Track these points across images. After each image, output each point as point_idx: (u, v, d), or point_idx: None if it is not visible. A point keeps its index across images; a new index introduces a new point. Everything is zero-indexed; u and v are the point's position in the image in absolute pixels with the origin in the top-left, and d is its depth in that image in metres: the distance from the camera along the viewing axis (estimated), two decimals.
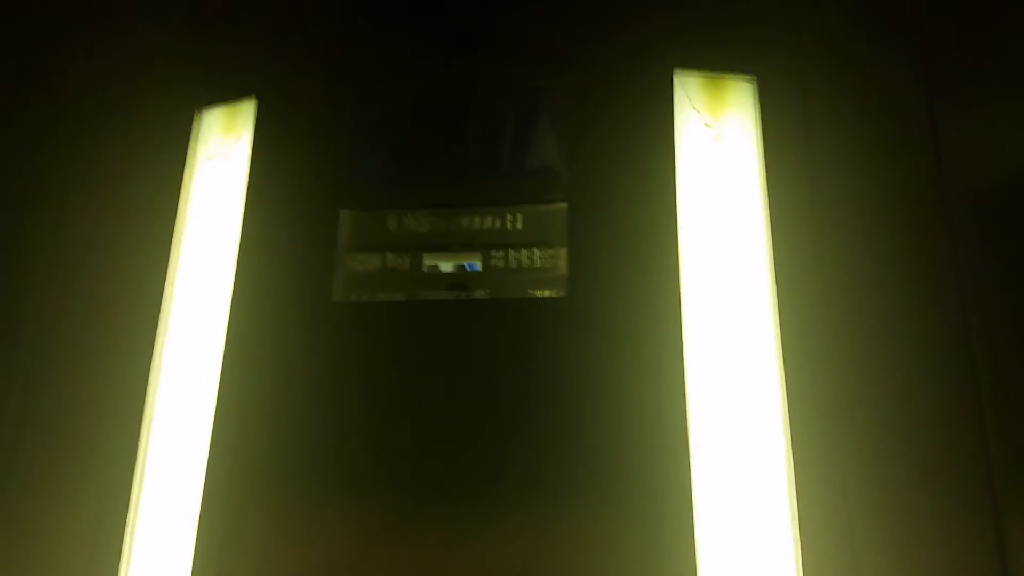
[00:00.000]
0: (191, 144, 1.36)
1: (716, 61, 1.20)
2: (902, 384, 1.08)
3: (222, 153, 1.34)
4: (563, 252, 1.15)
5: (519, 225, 1.18)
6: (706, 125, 1.18)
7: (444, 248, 1.19)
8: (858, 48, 1.21)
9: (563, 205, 1.17)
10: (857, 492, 1.04)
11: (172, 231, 1.29)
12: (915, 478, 1.04)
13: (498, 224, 1.19)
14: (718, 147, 1.18)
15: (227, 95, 1.37)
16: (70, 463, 1.20)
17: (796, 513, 1.03)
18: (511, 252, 1.17)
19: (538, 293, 1.14)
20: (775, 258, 1.12)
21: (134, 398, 1.20)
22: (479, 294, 1.16)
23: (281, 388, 1.13)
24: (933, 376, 1.08)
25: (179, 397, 1.20)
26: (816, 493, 1.03)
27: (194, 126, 1.37)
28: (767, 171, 1.16)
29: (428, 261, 1.19)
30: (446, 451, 1.08)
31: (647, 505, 1.02)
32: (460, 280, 1.18)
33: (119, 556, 1.14)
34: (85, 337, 1.26)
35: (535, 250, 1.16)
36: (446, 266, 1.19)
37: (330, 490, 1.09)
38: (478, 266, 1.18)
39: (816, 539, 1.01)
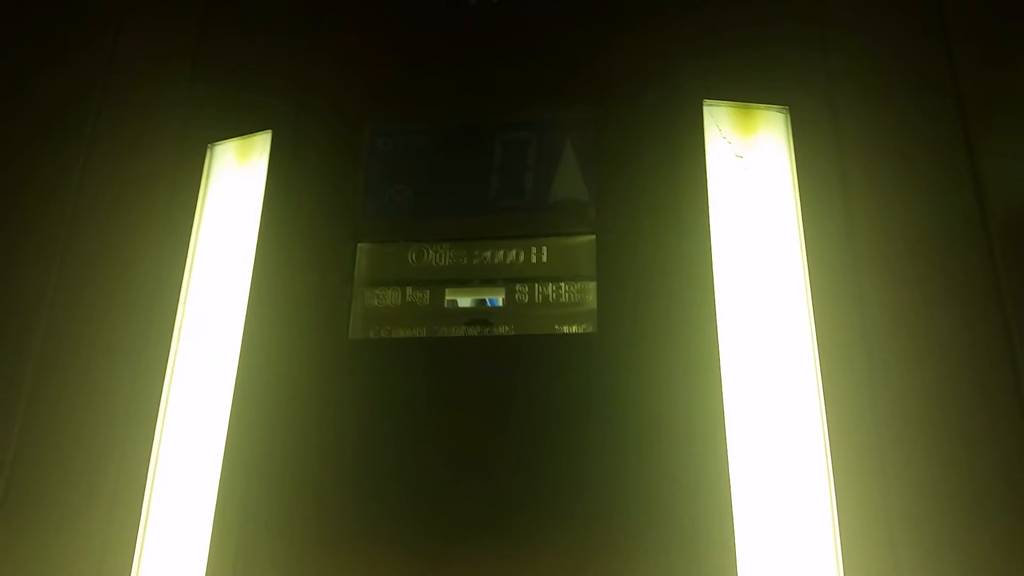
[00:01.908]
0: (203, 178, 1.33)
1: (746, 91, 1.17)
2: (948, 419, 1.02)
3: (234, 188, 1.31)
4: (592, 286, 1.10)
5: (544, 258, 1.13)
6: (737, 156, 1.15)
7: (466, 282, 1.14)
8: (891, 77, 1.18)
9: (591, 237, 1.12)
10: (904, 541, 0.97)
11: (184, 266, 1.25)
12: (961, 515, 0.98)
13: (523, 257, 1.14)
14: (750, 178, 1.14)
15: (242, 129, 1.34)
16: (72, 529, 1.14)
17: (840, 555, 0.96)
18: (537, 286, 1.12)
19: (565, 329, 1.09)
20: (812, 291, 1.07)
21: (142, 440, 1.14)
22: (503, 330, 1.11)
23: (295, 428, 1.07)
24: (979, 405, 1.03)
25: (188, 439, 1.14)
26: (860, 531, 0.97)
27: (207, 160, 1.34)
28: (801, 202, 1.11)
29: (449, 296, 1.14)
30: (469, 495, 1.02)
31: (687, 553, 0.95)
32: (482, 316, 1.12)
33: None
34: (95, 372, 1.20)
35: (562, 284, 1.11)
36: (465, 301, 1.14)
37: (346, 536, 1.02)
38: (499, 301, 1.13)
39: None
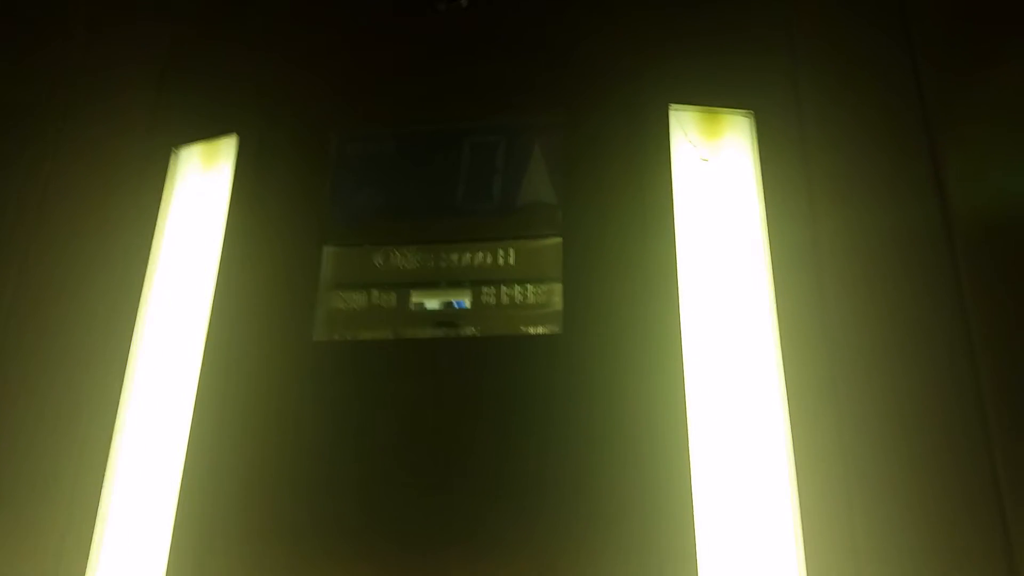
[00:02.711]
0: (168, 182, 1.31)
1: (712, 96, 1.18)
2: (908, 414, 1.03)
3: (199, 191, 1.29)
4: (558, 288, 1.10)
5: (511, 260, 1.13)
6: (703, 160, 1.15)
7: (433, 285, 1.14)
8: (857, 84, 1.19)
9: (558, 240, 1.12)
10: (867, 552, 0.97)
11: (146, 269, 1.23)
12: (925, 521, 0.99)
13: (489, 260, 1.14)
14: (715, 181, 1.14)
15: (207, 133, 1.33)
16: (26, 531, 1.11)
17: (803, 556, 0.95)
18: (503, 288, 1.11)
19: (532, 330, 1.09)
20: (777, 293, 1.08)
21: (101, 442, 1.11)
22: (469, 332, 1.10)
23: (258, 432, 1.06)
24: (939, 404, 1.03)
25: (149, 442, 1.12)
26: (823, 532, 0.97)
27: (171, 164, 1.33)
28: (766, 206, 1.12)
29: (415, 299, 1.13)
30: (434, 498, 1.01)
31: (649, 553, 0.95)
32: (449, 318, 1.12)
33: None
34: (56, 375, 1.17)
35: (528, 286, 1.11)
36: (432, 303, 1.13)
37: (308, 542, 1.00)
38: (467, 303, 1.12)
39: None
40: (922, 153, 1.15)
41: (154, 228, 1.27)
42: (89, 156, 1.37)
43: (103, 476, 1.10)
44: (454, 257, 1.14)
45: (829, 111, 1.18)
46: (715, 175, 1.15)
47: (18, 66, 1.44)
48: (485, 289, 1.12)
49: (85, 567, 1.05)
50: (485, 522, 0.99)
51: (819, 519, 0.98)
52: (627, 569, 0.95)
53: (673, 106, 1.17)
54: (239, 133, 1.28)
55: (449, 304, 1.13)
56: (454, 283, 1.13)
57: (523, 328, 1.09)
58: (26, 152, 1.36)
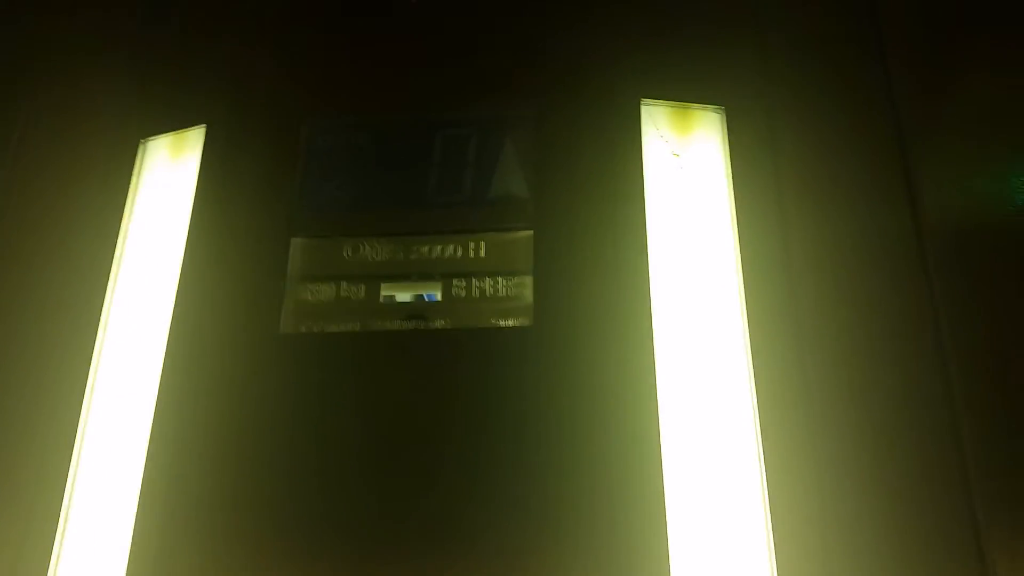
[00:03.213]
0: (134, 174, 1.29)
1: (684, 91, 1.18)
2: (879, 418, 1.03)
3: (166, 182, 1.27)
4: (529, 280, 1.09)
5: (482, 253, 1.12)
6: (674, 155, 1.16)
7: (403, 277, 1.13)
8: (827, 83, 1.20)
9: (528, 232, 1.11)
10: (838, 551, 0.97)
11: (112, 259, 1.21)
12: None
13: (460, 252, 1.13)
14: (686, 175, 1.15)
15: (176, 124, 1.31)
16: None
17: (773, 552, 0.95)
18: (474, 281, 1.11)
19: (502, 323, 1.08)
20: (746, 286, 1.08)
21: (64, 435, 1.09)
22: (439, 324, 1.09)
23: (222, 425, 1.04)
24: (911, 408, 1.04)
25: (111, 435, 1.10)
26: (792, 529, 0.97)
27: (138, 156, 1.31)
28: (736, 200, 1.13)
29: (385, 291, 1.12)
30: (402, 493, 0.99)
31: (620, 551, 0.94)
32: (419, 311, 1.11)
33: None
34: (18, 365, 1.15)
35: (499, 279, 1.10)
36: (402, 296, 1.12)
37: (271, 540, 0.98)
38: (437, 296, 1.11)
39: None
40: (893, 156, 1.16)
41: (120, 220, 1.25)
42: (56, 147, 1.34)
43: (66, 471, 1.07)
44: (424, 249, 1.13)
45: (798, 110, 1.19)
46: (686, 170, 1.15)
47: None
48: (456, 282, 1.11)
49: (48, 563, 1.03)
50: (455, 519, 0.98)
51: (788, 514, 0.98)
52: (598, 565, 0.94)
53: (645, 101, 1.17)
54: (207, 124, 1.26)
55: (419, 297, 1.12)
56: (424, 275, 1.12)
57: (494, 321, 1.08)
58: None
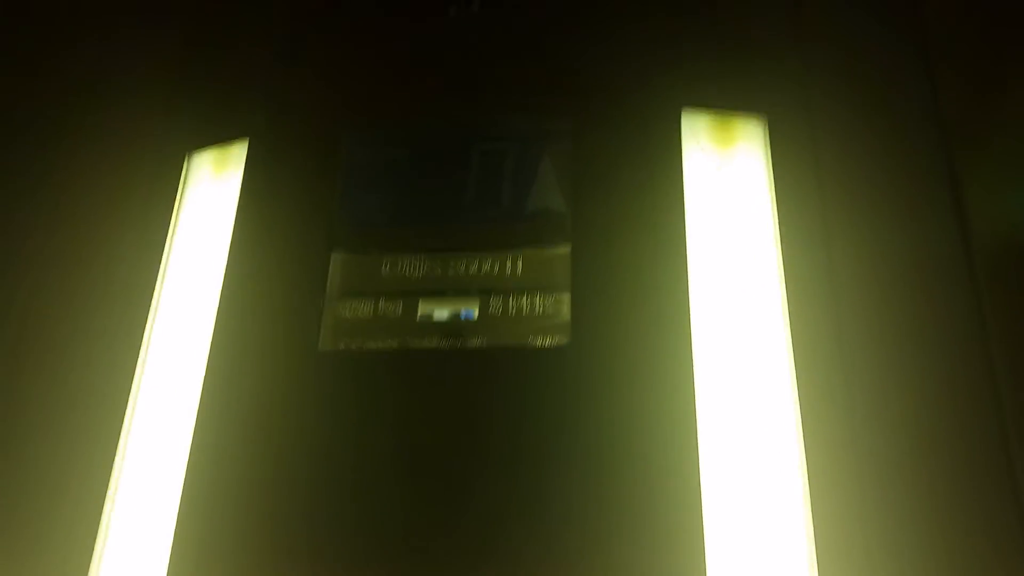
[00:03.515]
0: (180, 187, 1.32)
1: (725, 99, 1.16)
2: (927, 443, 1.00)
3: (210, 197, 1.29)
4: (566, 298, 1.08)
5: (519, 270, 1.11)
6: (716, 167, 1.13)
7: (439, 294, 1.12)
8: (871, 90, 1.16)
9: (566, 248, 1.10)
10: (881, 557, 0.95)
11: (156, 275, 1.23)
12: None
13: (497, 268, 1.12)
14: (728, 187, 1.12)
15: (220, 137, 1.33)
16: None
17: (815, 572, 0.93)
18: (511, 298, 1.10)
19: (539, 342, 1.07)
20: (789, 303, 1.05)
21: (106, 449, 1.11)
22: (475, 343, 1.08)
23: (261, 441, 1.05)
24: (960, 434, 1.00)
25: (152, 450, 1.12)
26: (836, 553, 0.94)
27: (184, 169, 1.33)
28: (779, 212, 1.10)
29: (422, 308, 1.12)
30: (438, 514, 0.99)
31: (660, 573, 0.93)
32: (455, 329, 1.10)
33: None
34: (61, 378, 1.18)
35: (536, 295, 1.09)
36: (440, 313, 1.12)
37: (307, 557, 0.99)
38: (474, 313, 1.11)
39: None
40: (940, 166, 1.12)
41: (165, 236, 1.27)
42: (100, 165, 1.37)
43: (108, 481, 1.10)
44: (461, 265, 1.13)
45: (842, 118, 1.15)
46: (728, 183, 1.12)
47: (28, 75, 1.45)
48: (492, 299, 1.10)
49: (88, 568, 1.06)
50: (491, 540, 0.97)
51: (831, 535, 0.95)
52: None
53: (686, 110, 1.15)
54: (250, 137, 1.28)
55: (456, 315, 1.11)
56: (461, 292, 1.12)
57: (530, 339, 1.07)
58: (37, 161, 1.37)
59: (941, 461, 0.99)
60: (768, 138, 1.13)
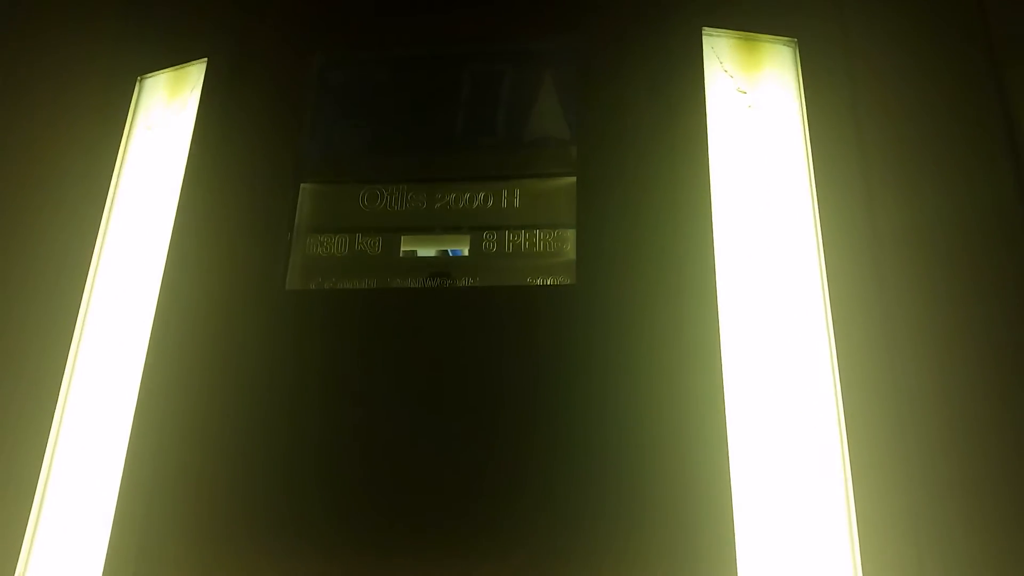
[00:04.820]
0: (130, 113, 1.16)
1: (750, 20, 1.03)
2: (972, 419, 0.88)
3: (163, 122, 1.14)
4: (571, 234, 0.95)
5: (516, 203, 0.98)
6: (740, 91, 1.00)
7: (426, 229, 0.99)
8: (911, 5, 1.04)
9: (571, 179, 0.97)
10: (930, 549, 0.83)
11: (104, 203, 1.09)
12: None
13: (491, 202, 0.99)
14: (754, 116, 0.99)
15: (176, 59, 1.17)
16: None
17: (856, 535, 0.81)
18: (508, 234, 0.96)
19: (539, 281, 0.94)
20: (824, 241, 0.93)
21: (46, 395, 0.99)
22: (466, 283, 0.95)
23: (218, 389, 0.91)
24: (1000, 384, 0.88)
25: (95, 397, 0.98)
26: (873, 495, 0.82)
27: (135, 93, 1.18)
28: (811, 144, 0.97)
29: (405, 245, 0.98)
30: (422, 474, 0.86)
31: (681, 531, 0.80)
32: (443, 267, 0.97)
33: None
34: (5, 303, 1.05)
35: (537, 232, 0.96)
36: (426, 250, 0.98)
37: (279, 519, 0.85)
38: (464, 251, 0.97)
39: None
40: (986, 83, 0.99)
41: (113, 166, 1.12)
42: (41, 90, 1.22)
43: (51, 416, 0.98)
44: (451, 198, 0.99)
45: (878, 40, 1.02)
46: (755, 111, 1.00)
47: None
48: (486, 235, 0.97)
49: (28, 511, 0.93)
50: (479, 499, 0.84)
51: (870, 481, 0.83)
52: (658, 550, 0.81)
53: (707, 30, 1.02)
54: (208, 57, 1.13)
55: (444, 252, 0.98)
56: (450, 228, 0.99)
57: (530, 279, 0.94)
58: None
59: (989, 438, 0.87)
60: (799, 62, 1.00)
